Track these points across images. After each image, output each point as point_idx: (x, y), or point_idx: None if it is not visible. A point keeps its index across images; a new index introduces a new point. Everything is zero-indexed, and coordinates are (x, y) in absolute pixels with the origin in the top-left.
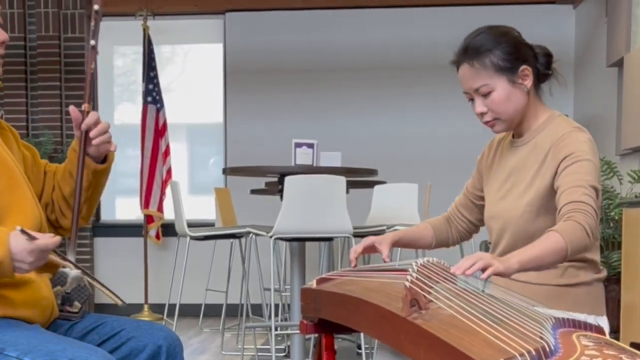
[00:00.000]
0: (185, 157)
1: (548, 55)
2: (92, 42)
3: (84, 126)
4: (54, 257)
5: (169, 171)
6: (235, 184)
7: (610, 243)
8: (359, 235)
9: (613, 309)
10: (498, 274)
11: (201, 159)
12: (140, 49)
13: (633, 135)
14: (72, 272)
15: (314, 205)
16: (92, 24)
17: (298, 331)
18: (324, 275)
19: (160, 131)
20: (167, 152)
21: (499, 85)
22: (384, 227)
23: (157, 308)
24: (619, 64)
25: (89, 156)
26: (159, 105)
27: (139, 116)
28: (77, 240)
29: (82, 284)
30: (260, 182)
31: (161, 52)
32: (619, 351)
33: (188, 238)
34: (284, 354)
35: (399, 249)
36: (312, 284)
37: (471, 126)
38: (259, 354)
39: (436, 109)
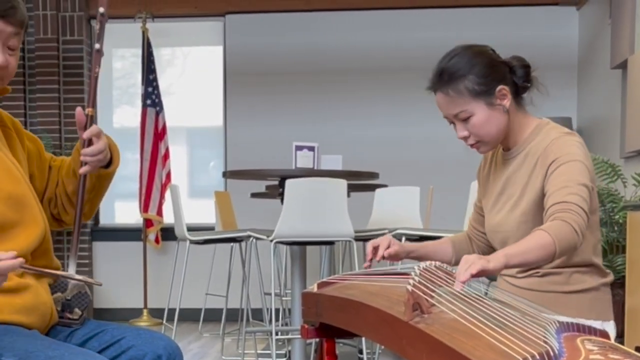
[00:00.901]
0: (184, 161)
1: (526, 67)
2: (97, 46)
3: (85, 135)
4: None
5: (168, 175)
6: (235, 188)
7: (615, 247)
8: (361, 239)
9: (617, 313)
10: (486, 271)
11: (201, 162)
12: (140, 51)
13: (637, 138)
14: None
15: (315, 208)
16: (97, 26)
17: (299, 336)
18: (325, 279)
19: (160, 134)
20: (166, 156)
21: (477, 109)
22: (386, 231)
23: (156, 313)
24: (623, 65)
25: None
26: (158, 108)
27: (138, 119)
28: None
29: (82, 290)
30: (260, 186)
31: (160, 55)
32: (624, 355)
33: (188, 242)
34: (284, 359)
35: None
36: (313, 288)
37: None
38: (260, 359)
39: (438, 113)
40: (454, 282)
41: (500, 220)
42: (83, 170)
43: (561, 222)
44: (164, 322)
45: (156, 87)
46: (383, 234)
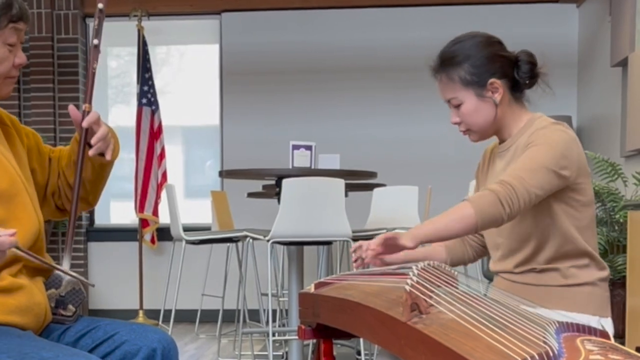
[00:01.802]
0: (180, 160)
1: (531, 63)
2: (95, 42)
3: (85, 123)
4: (20, 254)
5: (164, 174)
6: (231, 187)
7: (615, 246)
8: (358, 239)
9: (618, 313)
10: (402, 244)
11: (197, 161)
12: (135, 50)
13: (638, 137)
14: (66, 277)
15: (312, 208)
16: (96, 22)
17: (296, 337)
18: (322, 280)
19: (156, 133)
20: (162, 155)
21: (467, 98)
22: (384, 231)
23: (152, 314)
24: (624, 63)
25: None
26: (154, 107)
27: (133, 118)
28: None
29: (77, 287)
30: (257, 185)
31: (156, 53)
32: (625, 356)
33: (184, 242)
34: None
35: None
36: (310, 288)
37: None
38: None
39: (437, 111)
40: (453, 282)
41: None
42: (92, 152)
43: (488, 193)
44: (160, 323)
45: (152, 86)
46: (381, 234)
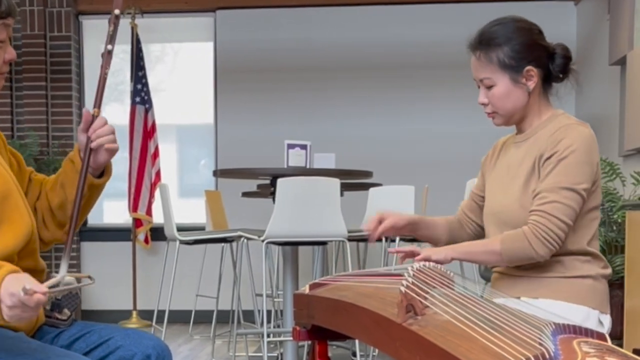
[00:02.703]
0: (174, 159)
1: (566, 58)
2: (110, 47)
3: (91, 131)
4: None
5: (158, 173)
6: (226, 187)
7: (613, 247)
8: (354, 240)
9: (616, 315)
10: (430, 260)
11: (191, 160)
12: (128, 47)
13: (636, 136)
14: (65, 278)
15: (307, 208)
16: (111, 28)
17: (291, 338)
18: (317, 281)
19: (149, 132)
20: (156, 154)
21: (501, 81)
22: None
23: (145, 314)
24: (622, 62)
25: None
26: (147, 106)
27: (126, 117)
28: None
29: (73, 291)
30: (252, 185)
31: (150, 51)
32: (622, 358)
33: (178, 242)
34: None
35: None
36: (305, 289)
37: (469, 127)
38: None
39: (433, 109)
40: (449, 283)
41: (501, 202)
42: (94, 144)
43: (520, 235)
44: (154, 324)
45: (145, 84)
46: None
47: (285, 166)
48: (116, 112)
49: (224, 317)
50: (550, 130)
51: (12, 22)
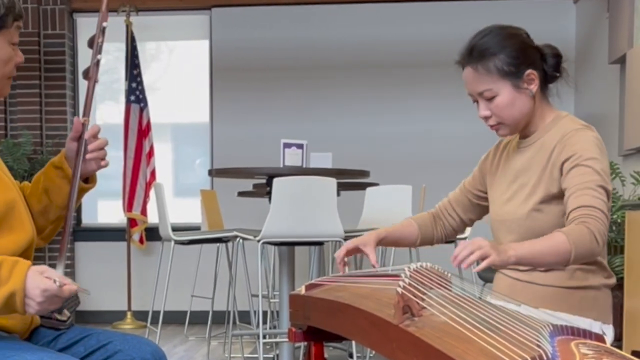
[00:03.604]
0: (169, 158)
1: (557, 56)
2: (99, 57)
3: (87, 135)
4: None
5: (153, 173)
6: (221, 186)
7: (613, 247)
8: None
9: (616, 316)
10: (494, 266)
11: (186, 160)
12: (123, 45)
13: (636, 135)
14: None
15: (304, 208)
16: (100, 40)
17: (287, 339)
18: (313, 281)
19: (144, 131)
20: (151, 153)
21: (503, 90)
22: None
23: (140, 315)
24: (622, 60)
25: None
26: (142, 104)
27: (121, 116)
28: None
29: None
30: (247, 184)
31: (145, 49)
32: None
33: (173, 242)
34: None
35: (393, 253)
36: (301, 290)
37: (468, 126)
38: None
39: (431, 108)
40: (446, 284)
41: (509, 209)
42: (89, 156)
43: (583, 229)
44: (148, 325)
45: (140, 83)
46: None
47: (282, 165)
48: (111, 110)
49: (220, 318)
50: (558, 133)
51: (22, 24)
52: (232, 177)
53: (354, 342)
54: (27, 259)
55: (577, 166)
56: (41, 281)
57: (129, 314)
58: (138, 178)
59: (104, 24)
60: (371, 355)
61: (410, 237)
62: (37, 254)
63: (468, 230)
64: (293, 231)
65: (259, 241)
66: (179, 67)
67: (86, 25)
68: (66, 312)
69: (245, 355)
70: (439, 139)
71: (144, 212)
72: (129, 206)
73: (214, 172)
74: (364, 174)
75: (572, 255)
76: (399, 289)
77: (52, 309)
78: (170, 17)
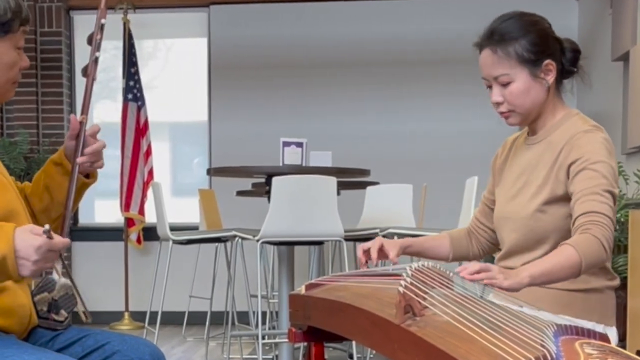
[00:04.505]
0: (167, 157)
1: (576, 51)
2: (97, 54)
3: (87, 133)
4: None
5: (150, 172)
6: (220, 185)
7: (616, 247)
8: (351, 239)
9: (619, 316)
10: (501, 290)
11: (184, 159)
12: (121, 43)
13: (639, 133)
14: (61, 279)
15: (303, 207)
16: (98, 37)
17: (286, 340)
18: (313, 281)
19: (142, 130)
20: (148, 152)
21: (520, 76)
22: (377, 230)
23: (138, 316)
24: (625, 57)
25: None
26: (140, 103)
27: (119, 114)
28: None
29: (70, 292)
30: (246, 183)
31: (142, 47)
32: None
33: (170, 242)
34: None
35: None
36: (301, 289)
37: (469, 124)
38: None
39: (432, 107)
40: (448, 283)
41: (513, 207)
42: (81, 160)
43: (591, 237)
44: (146, 325)
45: (138, 81)
46: (375, 234)
47: (281, 164)
48: (108, 109)
49: (218, 319)
50: (566, 133)
51: (28, 29)
52: (231, 176)
53: (354, 343)
54: None
55: (584, 170)
56: (32, 239)
57: (126, 315)
58: (136, 177)
59: (103, 20)
60: (371, 356)
61: (439, 249)
62: None
63: None
64: (292, 231)
65: (258, 241)
66: (177, 65)
67: (83, 23)
68: (63, 313)
69: (244, 356)
70: (441, 138)
71: (141, 211)
72: (126, 206)
73: (212, 171)
74: (364, 172)
75: (583, 266)
76: (401, 289)
77: (49, 267)
78: (168, 15)
